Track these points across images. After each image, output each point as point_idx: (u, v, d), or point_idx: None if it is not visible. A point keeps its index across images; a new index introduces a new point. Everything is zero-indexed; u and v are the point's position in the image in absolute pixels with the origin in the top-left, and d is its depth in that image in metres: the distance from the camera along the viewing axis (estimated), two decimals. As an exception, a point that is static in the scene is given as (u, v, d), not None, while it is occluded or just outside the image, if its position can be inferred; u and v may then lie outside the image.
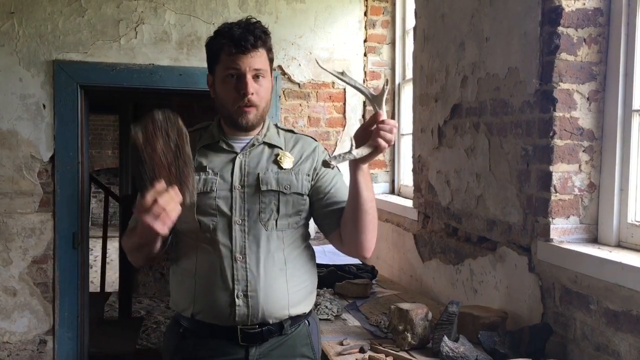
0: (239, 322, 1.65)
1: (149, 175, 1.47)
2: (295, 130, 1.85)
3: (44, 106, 3.32)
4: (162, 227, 1.43)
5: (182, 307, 1.71)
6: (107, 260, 6.05)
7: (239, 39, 1.63)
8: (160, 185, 1.44)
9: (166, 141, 1.48)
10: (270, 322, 1.67)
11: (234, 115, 1.68)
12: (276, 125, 1.83)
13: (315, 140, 1.84)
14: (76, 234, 3.37)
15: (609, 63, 1.88)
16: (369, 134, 1.54)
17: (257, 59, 1.65)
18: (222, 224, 1.66)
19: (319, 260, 3.09)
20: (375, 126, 1.52)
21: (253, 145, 1.73)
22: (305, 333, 1.75)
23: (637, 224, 1.79)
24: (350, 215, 1.65)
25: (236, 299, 1.63)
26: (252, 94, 1.65)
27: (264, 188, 1.67)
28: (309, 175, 1.75)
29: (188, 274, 1.69)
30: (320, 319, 2.37)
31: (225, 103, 1.68)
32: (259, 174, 1.69)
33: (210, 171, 1.69)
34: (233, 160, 1.71)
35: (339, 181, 1.78)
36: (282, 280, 1.68)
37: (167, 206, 1.42)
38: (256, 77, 1.66)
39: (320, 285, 2.81)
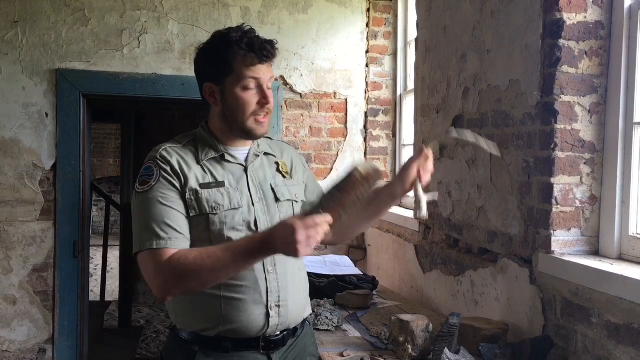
0: (268, 333, 1.64)
1: (328, 205, 1.46)
2: (271, 137, 1.89)
3: (46, 115, 3.33)
4: (304, 251, 1.41)
5: (201, 327, 1.63)
6: (108, 269, 6.05)
7: (260, 49, 1.60)
8: (329, 218, 1.44)
9: (362, 192, 1.46)
10: (291, 327, 1.70)
11: (249, 125, 1.64)
12: None
13: (290, 146, 1.93)
14: (77, 242, 3.37)
15: (610, 76, 1.88)
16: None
17: (271, 69, 1.67)
18: None
19: (319, 271, 3.11)
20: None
21: (257, 155, 1.74)
22: (309, 332, 1.82)
23: (639, 236, 1.78)
24: (360, 222, 1.82)
25: (270, 311, 1.63)
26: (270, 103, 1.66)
27: (282, 199, 1.70)
28: (304, 182, 1.83)
29: (211, 295, 1.61)
30: (320, 330, 2.38)
31: (240, 113, 1.63)
32: (270, 184, 1.71)
33: (229, 187, 1.64)
34: (244, 173, 1.69)
35: (316, 187, 1.90)
36: (301, 286, 1.74)
37: (317, 235, 1.41)
38: (268, 87, 1.66)
39: (320, 296, 2.82)
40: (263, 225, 1.65)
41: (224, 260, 1.48)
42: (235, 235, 1.61)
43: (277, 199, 1.69)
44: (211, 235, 1.61)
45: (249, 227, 1.64)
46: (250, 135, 1.68)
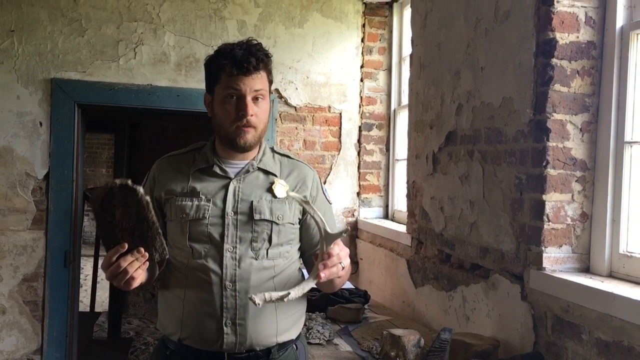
0: (226, 350, 1.63)
1: (111, 238, 1.47)
2: (292, 155, 1.83)
3: (40, 124, 3.33)
4: (126, 286, 1.48)
5: (169, 330, 1.70)
6: (98, 279, 6.00)
7: (240, 61, 1.62)
8: (122, 246, 1.46)
9: (125, 210, 1.44)
10: (258, 349, 1.65)
11: (231, 135, 1.66)
12: (272, 149, 1.80)
13: (312, 169, 1.82)
14: (68, 252, 3.35)
15: (601, 95, 1.91)
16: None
17: (257, 81, 1.65)
18: (213, 251, 1.64)
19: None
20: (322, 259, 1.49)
21: (248, 171, 1.71)
22: (292, 357, 1.73)
23: (629, 254, 1.80)
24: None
25: (224, 327, 1.62)
26: (252, 115, 1.63)
27: (257, 217, 1.66)
28: (300, 205, 1.72)
29: (176, 299, 1.67)
30: (311, 344, 2.37)
31: (223, 123, 1.66)
32: (252, 201, 1.66)
33: (203, 197, 1.67)
34: (226, 186, 1.68)
35: (328, 220, 1.74)
36: (271, 309, 1.65)
37: (130, 268, 1.46)
38: (255, 99, 1.65)
39: (312, 309, 2.81)
40: (230, 239, 1.64)
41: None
42: (197, 246, 1.65)
43: (252, 217, 1.66)
44: (182, 242, 1.67)
45: (213, 240, 1.64)
46: (234, 145, 1.67)
